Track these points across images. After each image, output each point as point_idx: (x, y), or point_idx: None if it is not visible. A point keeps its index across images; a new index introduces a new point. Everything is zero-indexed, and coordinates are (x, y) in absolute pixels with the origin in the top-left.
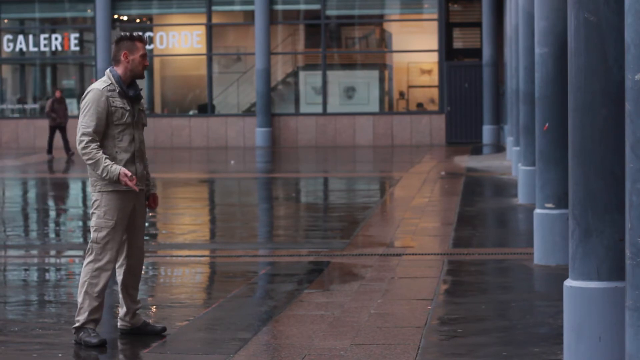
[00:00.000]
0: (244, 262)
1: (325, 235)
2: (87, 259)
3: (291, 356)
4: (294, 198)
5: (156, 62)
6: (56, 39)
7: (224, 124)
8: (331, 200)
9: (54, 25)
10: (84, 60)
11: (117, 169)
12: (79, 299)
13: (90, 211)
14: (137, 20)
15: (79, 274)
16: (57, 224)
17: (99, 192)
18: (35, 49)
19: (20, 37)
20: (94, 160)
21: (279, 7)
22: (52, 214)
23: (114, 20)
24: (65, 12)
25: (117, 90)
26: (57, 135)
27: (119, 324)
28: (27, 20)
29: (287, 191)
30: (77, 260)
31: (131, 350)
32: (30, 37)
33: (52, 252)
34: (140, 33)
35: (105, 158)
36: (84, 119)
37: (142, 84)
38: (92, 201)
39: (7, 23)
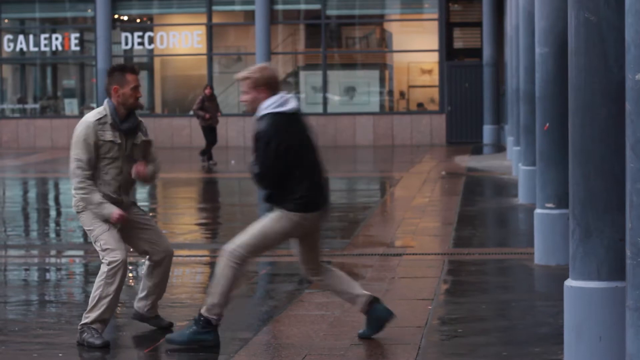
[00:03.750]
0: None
1: (326, 235)
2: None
3: (292, 356)
4: None
5: (156, 62)
6: (56, 38)
7: (224, 124)
8: (331, 199)
9: (54, 25)
10: (85, 60)
11: (110, 210)
12: (92, 298)
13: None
14: (138, 20)
15: (79, 274)
16: (57, 223)
17: (82, 212)
18: (36, 49)
19: (21, 37)
20: (88, 196)
21: (279, 7)
22: (53, 213)
23: (115, 20)
24: (66, 12)
25: (110, 122)
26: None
27: (135, 305)
28: (28, 20)
29: None
30: (77, 260)
31: (131, 349)
32: (31, 37)
33: (53, 252)
34: (132, 65)
35: (101, 196)
36: (76, 150)
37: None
38: (80, 221)
39: (7, 23)
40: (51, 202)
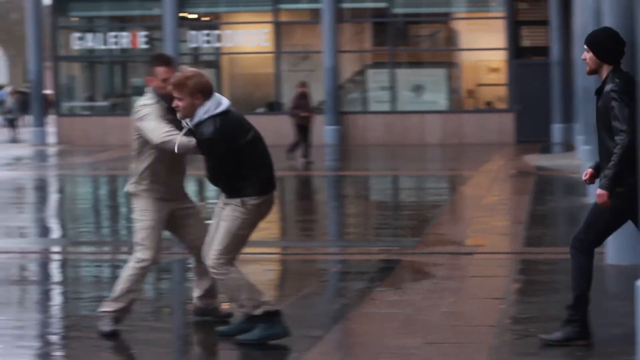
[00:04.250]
0: (315, 259)
1: (396, 233)
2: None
3: (363, 354)
4: (363, 196)
5: (224, 60)
6: (125, 37)
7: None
8: (401, 198)
9: (122, 24)
10: None
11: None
12: (121, 290)
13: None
14: (205, 19)
15: (152, 271)
16: (128, 220)
17: (135, 196)
18: (104, 47)
19: (90, 35)
20: (179, 142)
21: (346, 5)
22: (123, 210)
23: (182, 19)
24: (134, 11)
25: (161, 105)
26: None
27: (194, 301)
28: (96, 19)
29: (356, 189)
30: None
31: (204, 347)
32: (99, 35)
33: (124, 249)
34: (164, 54)
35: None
36: (149, 124)
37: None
38: (132, 202)
39: (76, 21)
40: (121, 199)
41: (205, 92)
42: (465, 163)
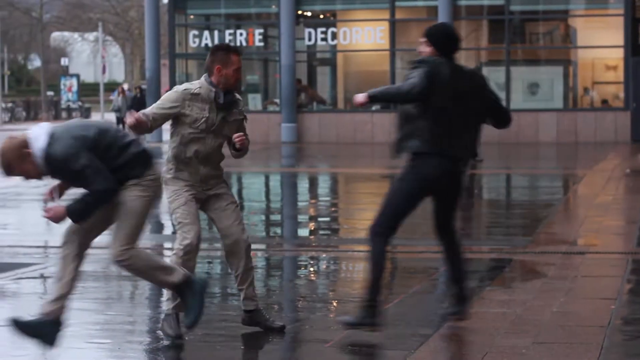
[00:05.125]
0: (426, 257)
1: (508, 232)
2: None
3: (472, 353)
4: (475, 194)
5: (339, 57)
6: (241, 34)
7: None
8: (513, 197)
9: (239, 21)
10: (268, 55)
11: None
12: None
13: None
14: (321, 16)
15: (261, 267)
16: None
17: (166, 181)
18: None
19: (206, 33)
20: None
21: (463, 2)
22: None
23: (298, 16)
24: (250, 8)
25: (202, 95)
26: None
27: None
28: (213, 16)
29: (469, 187)
30: (258, 254)
31: (311, 344)
32: (216, 32)
33: None
34: (237, 46)
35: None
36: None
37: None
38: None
39: (192, 19)
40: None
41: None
42: (579, 162)
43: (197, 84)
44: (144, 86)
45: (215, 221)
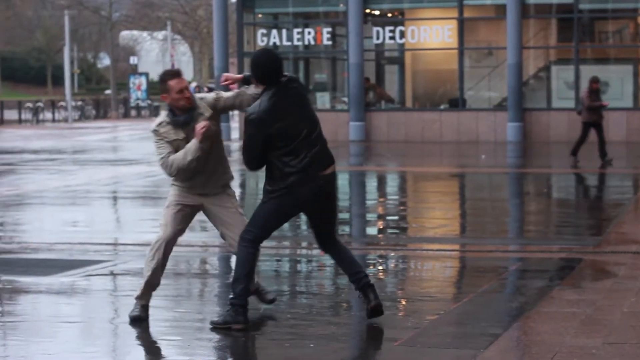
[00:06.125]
0: (495, 257)
1: (577, 231)
2: None
3: (542, 353)
4: (545, 193)
5: (407, 56)
6: (309, 33)
7: (474, 119)
8: (583, 196)
9: (307, 20)
10: (336, 54)
11: (191, 143)
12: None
13: None
14: (389, 15)
15: (329, 266)
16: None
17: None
18: (289, 43)
19: (274, 32)
20: (174, 163)
21: (531, 0)
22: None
23: (366, 15)
24: (318, 7)
25: (168, 122)
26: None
27: None
28: (281, 15)
29: (538, 186)
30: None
31: (381, 342)
32: (284, 31)
33: (304, 244)
34: (173, 69)
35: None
36: (156, 150)
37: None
38: None
39: (261, 18)
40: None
41: None
42: None
43: (164, 114)
44: (212, 85)
45: (217, 224)
